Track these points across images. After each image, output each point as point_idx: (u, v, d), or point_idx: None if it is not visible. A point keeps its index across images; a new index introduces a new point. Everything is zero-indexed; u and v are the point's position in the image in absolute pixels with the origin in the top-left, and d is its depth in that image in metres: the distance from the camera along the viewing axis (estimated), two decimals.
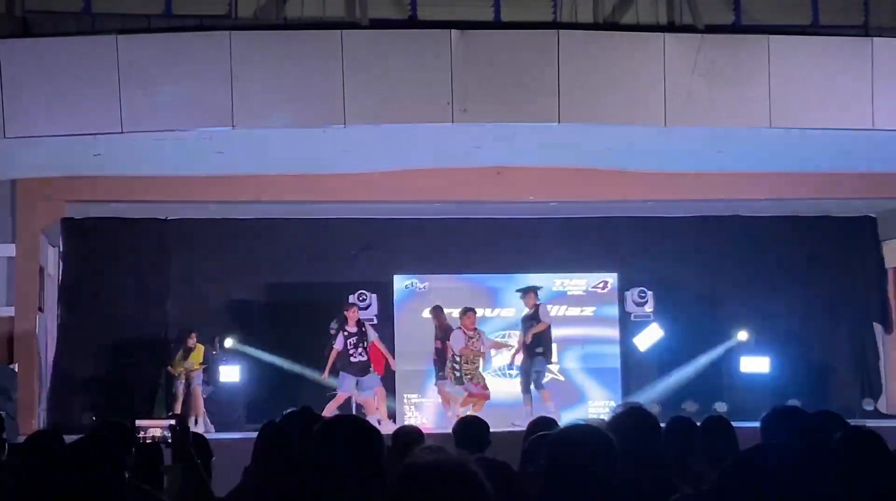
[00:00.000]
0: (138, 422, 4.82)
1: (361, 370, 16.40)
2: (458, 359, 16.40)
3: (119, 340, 17.84)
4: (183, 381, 17.06)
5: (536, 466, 4.33)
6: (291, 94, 13.71)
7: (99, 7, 14.41)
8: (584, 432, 4.16)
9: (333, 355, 16.36)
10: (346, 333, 16.41)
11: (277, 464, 4.04)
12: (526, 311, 16.91)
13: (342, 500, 2.85)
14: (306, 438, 3.79)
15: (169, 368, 17.23)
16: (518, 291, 17.22)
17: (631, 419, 4.94)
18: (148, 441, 4.73)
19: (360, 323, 16.59)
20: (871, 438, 4.85)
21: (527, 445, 5.76)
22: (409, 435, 7.22)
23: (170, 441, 4.53)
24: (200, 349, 17.28)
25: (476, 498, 2.85)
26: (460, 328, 16.57)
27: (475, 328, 16.69)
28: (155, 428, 4.74)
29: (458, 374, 16.41)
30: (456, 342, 16.46)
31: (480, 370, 16.59)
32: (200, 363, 17.21)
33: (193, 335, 17.26)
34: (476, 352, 16.54)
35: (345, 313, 16.59)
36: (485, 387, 16.48)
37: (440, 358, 16.70)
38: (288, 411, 5.01)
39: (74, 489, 3.32)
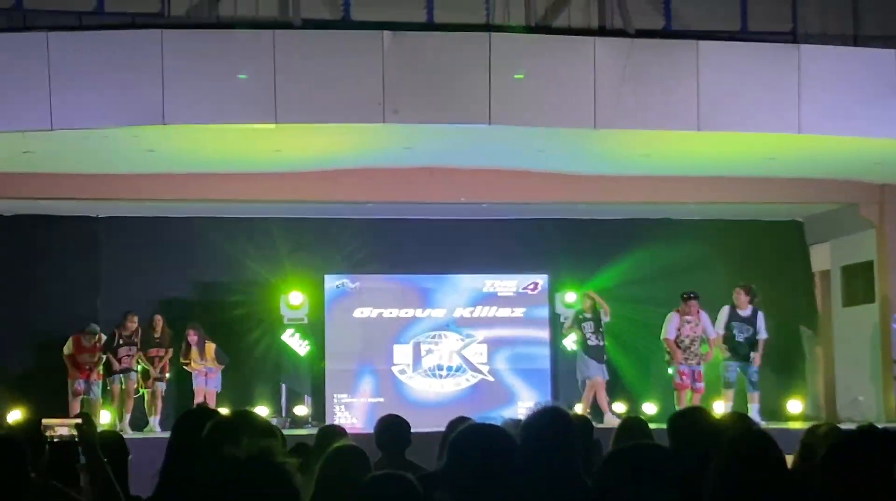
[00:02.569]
0: (45, 421, 4.82)
1: (600, 355, 17.31)
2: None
3: (47, 338, 17.68)
4: (203, 377, 17.11)
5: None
6: (223, 92, 13.67)
7: (30, 3, 14.34)
8: (482, 430, 4.20)
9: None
10: (582, 317, 17.33)
11: (180, 465, 4.08)
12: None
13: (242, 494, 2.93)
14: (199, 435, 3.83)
15: (186, 366, 17.18)
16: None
17: (544, 417, 5.01)
18: (56, 440, 4.75)
19: (594, 309, 17.39)
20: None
21: (440, 446, 5.82)
22: (332, 434, 7.28)
23: (77, 440, 4.55)
24: (211, 345, 17.30)
25: (284, 494, 2.93)
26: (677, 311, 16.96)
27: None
28: (63, 427, 4.75)
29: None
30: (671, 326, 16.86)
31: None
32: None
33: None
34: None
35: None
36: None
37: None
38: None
39: None
